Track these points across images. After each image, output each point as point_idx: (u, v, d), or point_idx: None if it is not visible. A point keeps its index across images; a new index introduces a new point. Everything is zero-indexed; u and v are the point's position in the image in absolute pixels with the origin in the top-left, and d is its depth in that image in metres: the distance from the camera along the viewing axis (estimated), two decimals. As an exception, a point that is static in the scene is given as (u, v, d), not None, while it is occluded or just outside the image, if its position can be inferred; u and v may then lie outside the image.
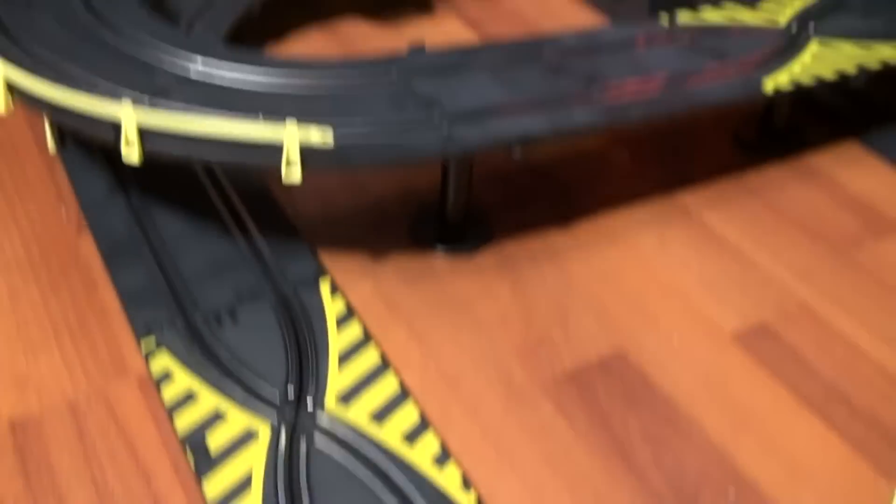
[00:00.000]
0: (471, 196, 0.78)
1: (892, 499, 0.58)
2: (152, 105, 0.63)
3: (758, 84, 0.78)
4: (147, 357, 0.65)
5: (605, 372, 0.68)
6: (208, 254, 0.74)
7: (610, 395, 0.66)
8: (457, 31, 1.08)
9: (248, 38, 0.97)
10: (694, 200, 0.84)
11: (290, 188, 0.80)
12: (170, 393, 0.62)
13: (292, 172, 0.63)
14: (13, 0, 0.77)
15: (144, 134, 0.63)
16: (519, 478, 0.60)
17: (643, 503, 0.59)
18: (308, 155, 0.63)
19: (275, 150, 0.63)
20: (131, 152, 0.63)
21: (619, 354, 0.69)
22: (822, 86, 0.81)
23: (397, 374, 0.65)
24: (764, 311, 0.74)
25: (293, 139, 0.62)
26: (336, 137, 0.63)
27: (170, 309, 0.69)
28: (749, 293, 0.75)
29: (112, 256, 0.74)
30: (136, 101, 0.63)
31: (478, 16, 1.12)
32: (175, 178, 0.80)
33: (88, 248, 0.75)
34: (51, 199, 0.80)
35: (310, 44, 1.05)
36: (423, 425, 0.61)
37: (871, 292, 0.76)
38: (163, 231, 0.76)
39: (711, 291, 0.75)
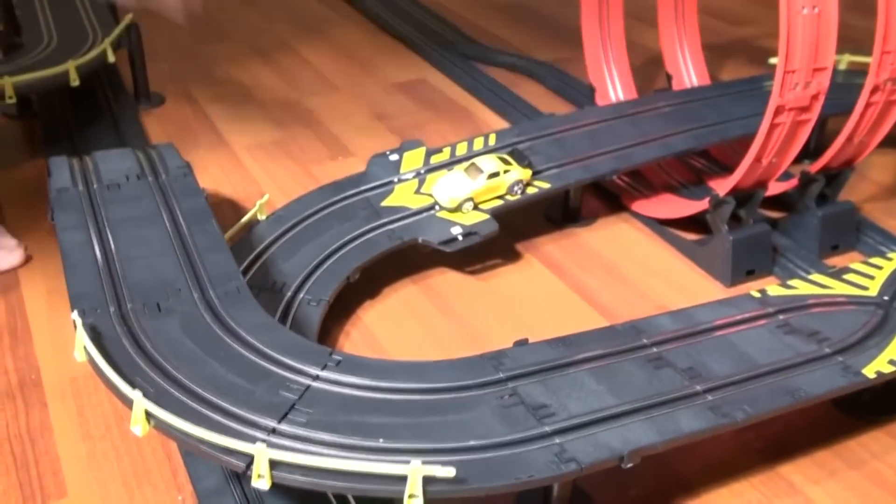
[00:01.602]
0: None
1: None
2: (281, 443, 0.67)
3: (858, 373, 0.79)
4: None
5: None
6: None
7: None
8: (544, 280, 1.12)
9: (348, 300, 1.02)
10: (795, 470, 0.84)
11: None
12: None
13: (414, 505, 0.65)
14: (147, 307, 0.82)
15: (274, 464, 0.66)
16: None
17: None
18: (429, 482, 0.66)
19: (399, 481, 0.66)
20: (262, 482, 0.66)
21: None
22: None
23: None
24: None
25: (417, 477, 0.64)
26: (458, 469, 0.66)
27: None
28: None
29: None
30: (267, 439, 0.66)
31: (560, 260, 1.16)
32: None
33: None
34: (168, 487, 0.83)
35: (403, 297, 1.09)
36: None
37: None
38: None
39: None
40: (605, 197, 1.28)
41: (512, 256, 1.16)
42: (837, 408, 0.93)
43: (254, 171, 1.36)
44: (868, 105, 1.03)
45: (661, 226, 1.19)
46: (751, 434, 0.89)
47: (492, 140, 1.20)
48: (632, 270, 1.14)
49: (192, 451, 0.78)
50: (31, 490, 0.83)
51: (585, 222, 1.23)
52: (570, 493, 0.79)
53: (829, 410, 0.93)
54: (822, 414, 0.92)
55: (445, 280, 1.12)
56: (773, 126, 0.97)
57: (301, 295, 0.97)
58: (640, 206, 1.22)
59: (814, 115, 0.98)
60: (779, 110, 0.96)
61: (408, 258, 1.12)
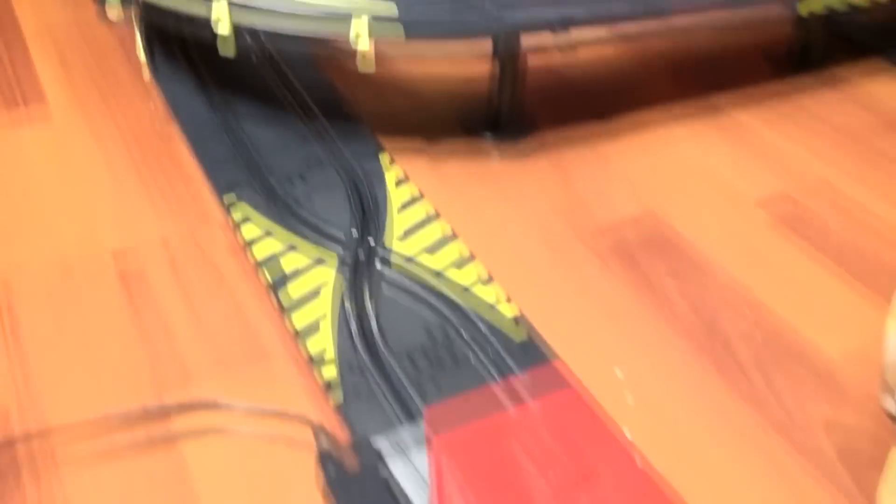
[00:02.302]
0: (519, 90, 0.85)
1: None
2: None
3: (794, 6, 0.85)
4: (228, 208, 0.74)
5: (635, 226, 0.75)
6: (279, 133, 0.83)
7: (640, 241, 0.73)
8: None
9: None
10: (726, 101, 0.91)
11: (353, 85, 0.89)
12: (249, 232, 0.71)
13: (363, 49, 0.72)
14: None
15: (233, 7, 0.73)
16: (553, 301, 0.67)
17: (668, 324, 0.65)
18: (374, 26, 0.72)
19: (346, 22, 0.72)
20: (222, 26, 0.73)
21: (648, 214, 0.76)
22: (851, 12, 0.87)
23: (448, 222, 0.73)
24: (786, 184, 0.80)
25: (362, 18, 0.71)
26: (400, 9, 0.72)
27: (247, 173, 0.78)
28: (773, 170, 0.82)
29: (196, 138, 0.83)
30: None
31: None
32: (251, 81, 0.90)
33: (174, 132, 0.85)
34: (141, 98, 0.90)
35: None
36: (471, 257, 0.69)
37: (889, 169, 0.82)
38: (240, 118, 0.85)
39: (738, 169, 0.82)
40: None
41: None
42: (772, 63, 0.99)
43: None
44: None
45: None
46: (689, 76, 0.96)
47: None
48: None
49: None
50: (12, 94, 0.90)
51: None
52: (511, 101, 0.86)
53: (764, 63, 0.99)
54: (756, 65, 0.99)
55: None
56: None
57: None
58: None
59: None
60: None
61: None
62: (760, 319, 0.66)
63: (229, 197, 0.75)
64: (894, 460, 0.51)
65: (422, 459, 0.50)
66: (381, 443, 0.52)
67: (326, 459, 0.52)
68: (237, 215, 0.73)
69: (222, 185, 0.77)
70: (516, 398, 0.43)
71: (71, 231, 0.73)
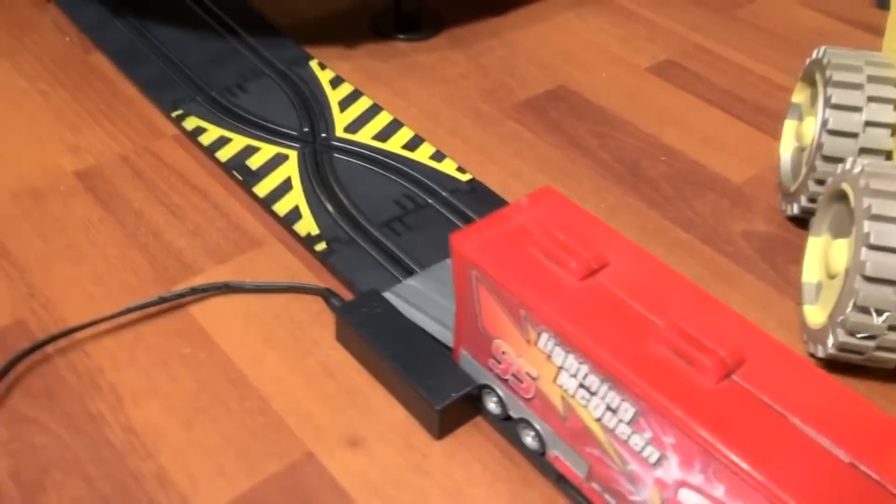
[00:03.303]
0: (421, -9, 0.92)
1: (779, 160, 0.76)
2: None
3: None
4: (179, 120, 0.78)
5: (551, 98, 0.84)
6: (207, 51, 0.86)
7: (559, 111, 0.82)
8: None
9: None
10: (602, -12, 1.01)
11: (266, 2, 0.93)
12: (207, 139, 0.75)
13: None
14: None
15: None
16: (500, 167, 0.75)
17: (599, 174, 0.75)
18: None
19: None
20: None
21: (561, 87, 0.85)
22: None
23: (390, 113, 0.80)
24: (669, 52, 0.91)
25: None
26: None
27: (186, 90, 0.81)
28: (656, 42, 0.92)
29: (124, 62, 0.85)
30: None
31: None
32: (165, 5, 0.92)
33: (99, 60, 0.86)
34: (52, 31, 0.91)
35: None
36: (419, 139, 0.76)
37: (751, 34, 0.94)
38: (163, 40, 0.88)
39: (626, 43, 0.92)
40: None
41: None
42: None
43: None
44: None
45: None
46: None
47: None
48: None
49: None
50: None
51: None
52: (416, 2, 0.92)
53: None
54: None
55: None
56: None
57: None
58: None
59: None
60: None
61: None
62: (674, 161, 0.77)
63: (177, 112, 0.78)
64: (810, 245, 0.63)
65: (423, 299, 0.58)
66: (387, 293, 0.60)
67: (339, 309, 0.58)
68: (190, 126, 0.77)
69: (167, 103, 0.80)
70: (521, 213, 0.51)
71: (29, 163, 0.74)
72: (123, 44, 0.87)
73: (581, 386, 0.46)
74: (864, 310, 0.52)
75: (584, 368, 0.45)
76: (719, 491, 0.41)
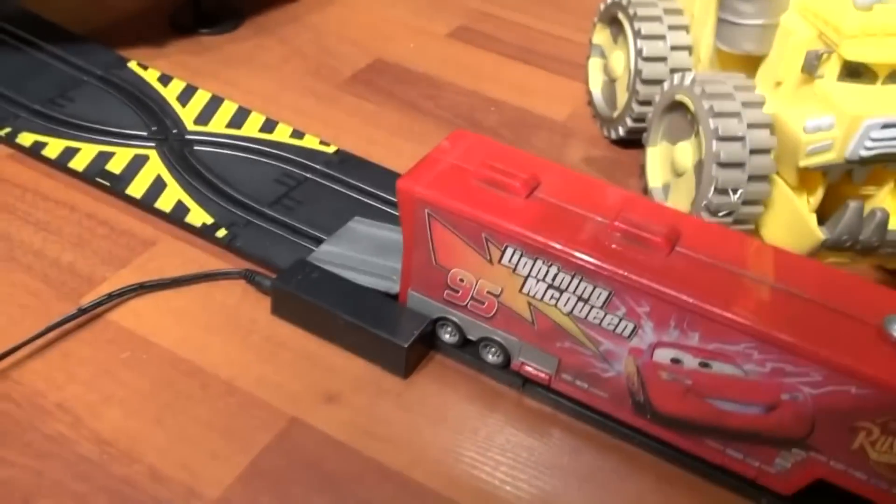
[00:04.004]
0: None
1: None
2: None
3: None
4: (8, 138, 0.73)
5: (375, 70, 0.89)
6: (12, 67, 0.81)
7: (386, 81, 0.87)
8: None
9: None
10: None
11: (59, 12, 0.89)
12: (51, 152, 0.72)
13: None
14: None
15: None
16: (355, 136, 0.79)
17: (443, 128, 0.82)
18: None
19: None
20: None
21: (378, 60, 0.91)
22: None
23: (232, 101, 0.80)
24: (459, 19, 0.99)
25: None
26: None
27: (5, 108, 0.76)
28: (447, 12, 1.00)
29: (-87, 92, 0.78)
30: None
31: None
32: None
33: None
34: None
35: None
36: (272, 122, 0.78)
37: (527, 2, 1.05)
38: (-48, 63, 0.81)
39: (422, 16, 0.99)
40: None
41: None
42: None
43: None
44: None
45: None
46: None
47: None
48: None
49: None
50: None
51: None
52: (211, -4, 0.92)
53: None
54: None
55: None
56: None
57: None
58: None
59: None
60: None
61: None
62: (502, 110, 0.85)
63: (5, 130, 0.74)
64: (649, 155, 0.74)
65: (346, 258, 0.62)
66: (309, 259, 0.62)
67: (275, 282, 0.60)
68: (26, 142, 0.72)
69: (-15, 124, 0.75)
70: (448, 153, 0.56)
71: None
72: None
73: (550, 287, 0.52)
74: (723, 191, 0.64)
75: (553, 270, 0.52)
76: (693, 339, 0.49)
